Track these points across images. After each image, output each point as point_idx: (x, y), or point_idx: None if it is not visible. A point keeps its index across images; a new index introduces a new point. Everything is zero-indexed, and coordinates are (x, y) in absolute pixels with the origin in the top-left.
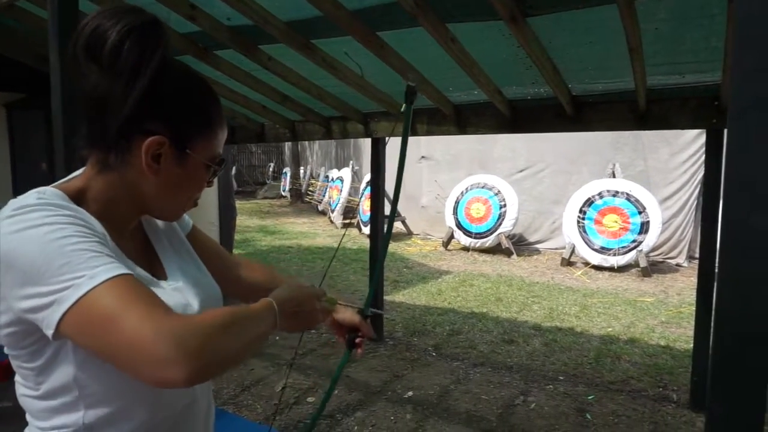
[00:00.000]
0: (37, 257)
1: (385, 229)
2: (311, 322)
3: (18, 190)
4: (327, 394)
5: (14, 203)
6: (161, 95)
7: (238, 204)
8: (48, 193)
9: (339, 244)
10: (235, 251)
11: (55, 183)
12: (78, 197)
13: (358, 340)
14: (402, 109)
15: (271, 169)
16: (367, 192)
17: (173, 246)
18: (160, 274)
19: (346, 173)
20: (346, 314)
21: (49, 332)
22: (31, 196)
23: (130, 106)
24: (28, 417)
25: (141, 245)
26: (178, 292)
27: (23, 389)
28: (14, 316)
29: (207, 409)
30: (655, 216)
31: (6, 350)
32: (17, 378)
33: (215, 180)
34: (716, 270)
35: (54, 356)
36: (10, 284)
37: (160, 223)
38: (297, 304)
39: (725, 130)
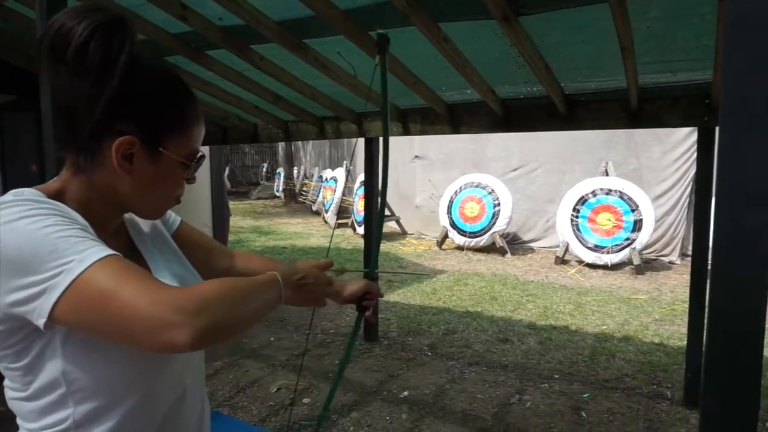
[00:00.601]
0: (23, 248)
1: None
2: (318, 295)
3: (7, 191)
4: (338, 376)
5: None
6: (130, 94)
7: (232, 205)
8: (25, 192)
9: (330, 242)
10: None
11: (33, 186)
12: (56, 198)
13: (365, 303)
14: (377, 61)
15: (264, 170)
16: (361, 192)
17: (157, 245)
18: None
19: (339, 173)
20: (353, 285)
21: (41, 321)
22: (7, 195)
23: (99, 107)
24: (18, 420)
25: (125, 245)
26: None
27: (11, 392)
28: (0, 314)
29: (201, 409)
30: (648, 214)
31: None
32: (5, 382)
33: (207, 180)
34: (709, 268)
35: (41, 353)
36: None
37: (143, 223)
38: (301, 276)
39: (716, 128)
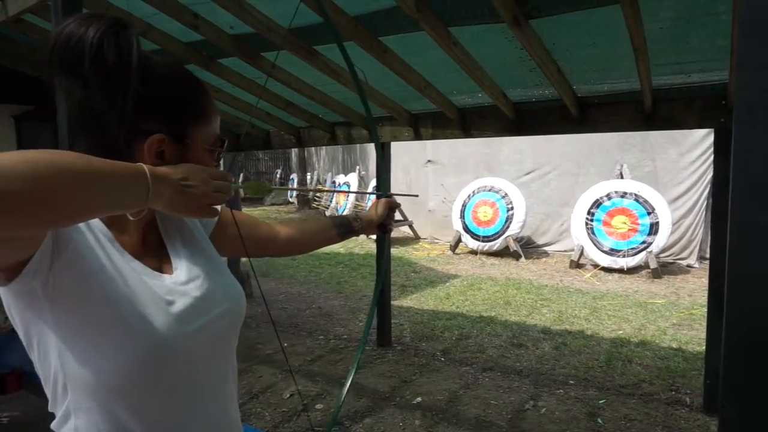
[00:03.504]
0: None
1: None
2: (201, 205)
3: None
4: (357, 357)
5: None
6: (150, 94)
7: (246, 211)
8: None
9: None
10: (242, 259)
11: None
12: None
13: (387, 221)
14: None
15: (278, 176)
16: (374, 197)
17: (185, 241)
18: (167, 268)
19: (352, 178)
20: (379, 209)
21: None
22: None
23: (127, 111)
24: None
25: (154, 239)
26: (178, 286)
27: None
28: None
29: (220, 416)
30: (665, 217)
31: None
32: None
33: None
34: (726, 270)
35: (41, 335)
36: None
37: (173, 219)
38: (182, 177)
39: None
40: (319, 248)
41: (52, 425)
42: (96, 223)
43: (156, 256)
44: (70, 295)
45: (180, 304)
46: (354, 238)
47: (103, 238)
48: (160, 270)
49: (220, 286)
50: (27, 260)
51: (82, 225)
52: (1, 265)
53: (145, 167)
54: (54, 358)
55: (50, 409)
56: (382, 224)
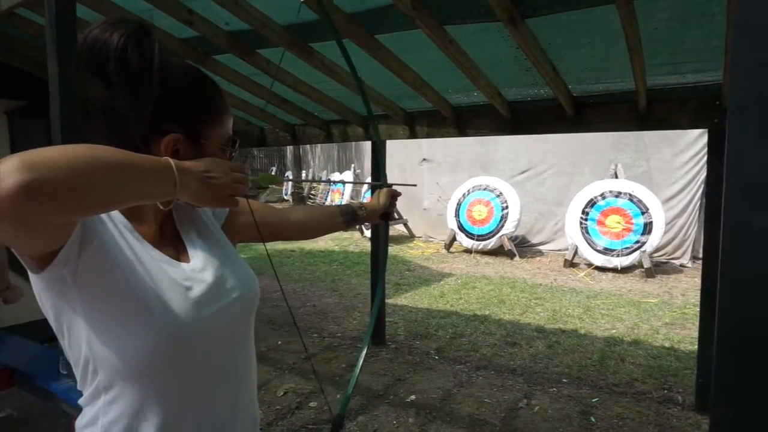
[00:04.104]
0: None
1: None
2: (223, 195)
3: None
4: (366, 336)
5: None
6: (168, 95)
7: None
8: None
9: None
10: (240, 255)
11: None
12: None
13: (389, 210)
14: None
15: (273, 173)
16: (368, 195)
17: (199, 232)
18: (184, 257)
19: (348, 176)
20: (381, 198)
21: None
22: None
23: (147, 111)
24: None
25: (170, 230)
26: (195, 273)
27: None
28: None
29: (240, 401)
30: (659, 216)
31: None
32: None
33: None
34: (719, 270)
35: (70, 321)
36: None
37: (188, 211)
38: (205, 170)
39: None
40: (326, 234)
41: (80, 401)
42: (116, 214)
43: (173, 246)
44: (97, 283)
45: (198, 290)
46: (348, 234)
47: (123, 229)
48: (178, 259)
49: (235, 272)
50: (58, 250)
51: (104, 217)
52: (36, 254)
53: (171, 161)
54: (83, 342)
55: (79, 387)
56: (385, 213)
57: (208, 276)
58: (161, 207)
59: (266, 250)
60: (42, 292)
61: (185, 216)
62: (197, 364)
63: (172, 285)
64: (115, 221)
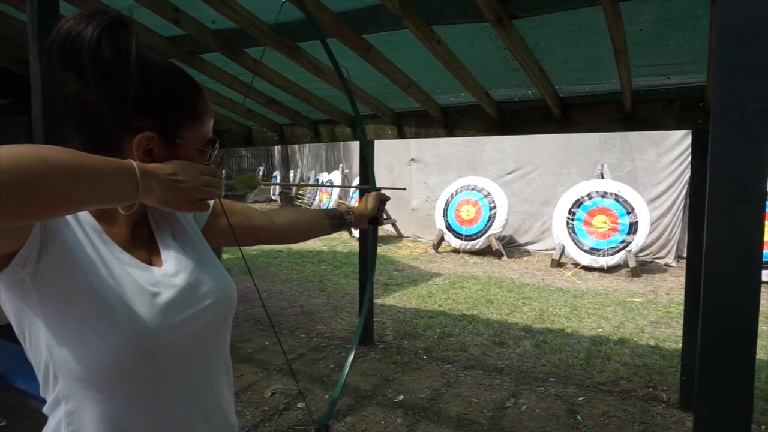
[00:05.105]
0: None
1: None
2: (192, 199)
3: None
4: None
5: None
6: (144, 92)
7: None
8: None
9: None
10: (224, 256)
11: None
12: None
13: (378, 214)
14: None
15: (260, 173)
16: (357, 196)
17: (175, 234)
18: (157, 261)
19: (336, 176)
20: (369, 203)
21: None
22: None
23: (120, 107)
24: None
25: (145, 232)
26: (166, 278)
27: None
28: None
29: (211, 408)
30: (644, 216)
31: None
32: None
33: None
34: (703, 269)
35: (31, 324)
36: None
37: (165, 213)
38: (172, 173)
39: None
40: (312, 237)
41: (44, 409)
42: (84, 215)
43: (146, 249)
44: (58, 287)
45: (166, 295)
46: (337, 235)
47: (90, 231)
48: (150, 262)
49: (210, 278)
50: (16, 251)
51: (70, 218)
52: None
53: (134, 163)
54: (43, 347)
55: (41, 394)
56: (373, 218)
57: (180, 281)
58: (122, 211)
59: (241, 251)
60: (2, 293)
61: (162, 218)
62: (166, 373)
63: (139, 290)
64: (81, 222)
